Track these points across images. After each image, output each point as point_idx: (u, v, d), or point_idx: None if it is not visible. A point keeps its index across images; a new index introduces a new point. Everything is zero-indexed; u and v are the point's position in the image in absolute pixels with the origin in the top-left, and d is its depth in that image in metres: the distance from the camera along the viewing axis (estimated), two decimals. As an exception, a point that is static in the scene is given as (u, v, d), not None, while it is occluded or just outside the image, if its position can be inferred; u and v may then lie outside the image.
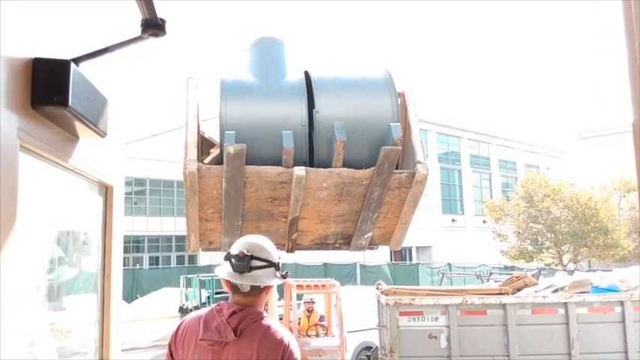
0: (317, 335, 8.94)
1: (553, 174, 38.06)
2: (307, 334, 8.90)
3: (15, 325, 2.01)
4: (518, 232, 29.13)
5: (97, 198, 3.18)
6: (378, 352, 6.88)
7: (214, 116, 4.20)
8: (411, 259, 34.68)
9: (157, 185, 33.13)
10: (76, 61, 2.35)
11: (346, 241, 4.84)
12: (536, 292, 6.99)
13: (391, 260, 31.12)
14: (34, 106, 2.14)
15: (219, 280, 17.81)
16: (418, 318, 6.28)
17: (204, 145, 4.80)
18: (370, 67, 4.76)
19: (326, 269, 24.02)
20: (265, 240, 2.56)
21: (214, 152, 4.80)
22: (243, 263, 2.39)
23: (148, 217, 32.32)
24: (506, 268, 25.63)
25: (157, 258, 32.77)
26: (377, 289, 6.99)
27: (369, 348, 9.99)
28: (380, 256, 27.90)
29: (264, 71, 4.52)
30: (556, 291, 6.91)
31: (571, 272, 16.06)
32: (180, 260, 33.06)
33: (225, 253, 2.54)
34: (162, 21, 2.57)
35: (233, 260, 2.42)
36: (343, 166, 4.25)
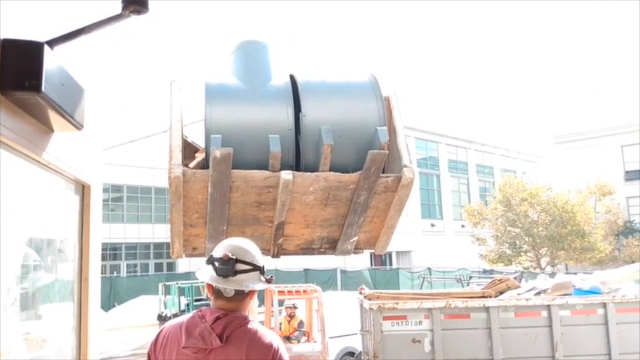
0: (298, 341, 8.90)
1: (530, 178, 38.61)
2: (289, 340, 8.85)
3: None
4: (497, 236, 29.43)
5: (73, 197, 2.98)
6: (362, 356, 6.83)
7: (196, 121, 4.15)
8: (391, 264, 34.78)
9: (134, 192, 32.73)
10: (51, 43, 2.17)
11: (332, 246, 4.82)
12: (518, 294, 7.03)
13: (371, 265, 31.16)
14: (4, 92, 1.97)
15: (198, 287, 17.65)
16: (402, 322, 6.25)
17: (188, 149, 4.74)
18: (355, 71, 4.77)
19: (307, 275, 23.94)
20: (249, 243, 2.48)
21: (199, 156, 4.74)
22: (228, 267, 2.30)
23: (126, 224, 31.92)
24: (485, 271, 25.86)
25: (135, 265, 32.34)
26: (360, 293, 6.95)
27: (351, 354, 9.96)
28: (360, 261, 27.92)
29: (249, 75, 4.48)
30: (539, 293, 6.96)
31: (552, 275, 16.26)
32: (158, 267, 32.68)
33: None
34: None
35: (216, 264, 2.32)
36: (330, 170, 4.24)
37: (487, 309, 6.39)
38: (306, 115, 4.27)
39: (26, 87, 1.98)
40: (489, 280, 8.13)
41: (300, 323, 9.68)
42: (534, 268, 27.95)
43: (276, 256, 4.79)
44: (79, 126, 2.47)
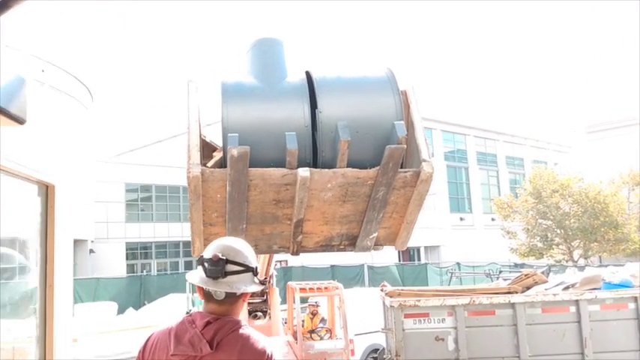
0: (321, 337, 8.91)
1: (561, 169, 37.87)
2: (311, 337, 8.87)
3: None
4: (528, 229, 29.00)
5: (33, 199, 2.80)
6: (384, 355, 6.75)
7: (216, 121, 4.16)
8: (419, 259, 34.54)
9: (162, 191, 33.16)
10: None
11: (351, 242, 4.79)
12: (546, 289, 6.87)
13: (399, 261, 31.00)
14: None
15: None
16: (424, 320, 6.15)
17: (206, 148, 4.76)
18: (372, 66, 4.71)
19: (333, 271, 23.91)
20: (242, 243, 2.35)
21: (217, 156, 4.75)
22: (217, 268, 2.17)
23: (155, 223, 32.37)
24: (516, 265, 25.50)
25: (165, 264, 32.80)
26: (381, 290, 6.89)
27: (377, 350, 9.92)
28: (388, 256, 27.81)
29: (264, 72, 4.48)
30: (567, 288, 6.78)
31: (582, 268, 15.91)
32: (188, 266, 33.06)
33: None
34: None
35: (206, 265, 2.20)
36: (347, 167, 4.20)
37: (513, 305, 6.25)
38: (322, 112, 4.24)
39: None
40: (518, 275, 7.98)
41: (323, 320, 9.67)
42: (566, 261, 27.46)
43: (295, 253, 4.78)
44: (19, 119, 2.24)
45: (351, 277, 24.18)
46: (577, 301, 6.32)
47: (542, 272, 8.73)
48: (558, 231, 28.05)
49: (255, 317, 9.71)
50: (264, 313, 9.84)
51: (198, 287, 2.25)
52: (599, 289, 6.64)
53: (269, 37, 4.74)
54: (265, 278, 8.87)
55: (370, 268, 25.68)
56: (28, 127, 2.36)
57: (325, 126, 4.23)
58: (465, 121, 40.08)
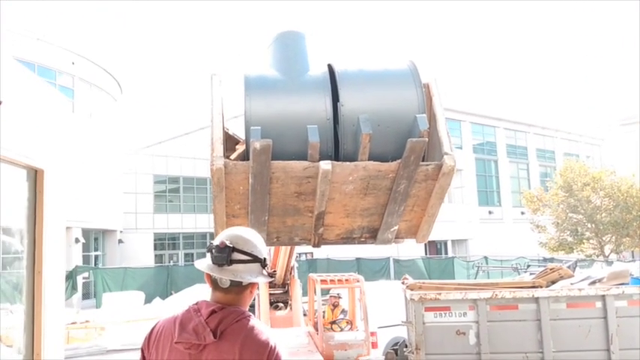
0: (341, 329, 8.97)
1: (593, 162, 37.10)
2: (331, 328, 8.93)
3: None
4: (558, 223, 28.52)
5: (20, 183, 2.70)
6: (405, 348, 6.73)
7: (240, 114, 4.21)
8: (446, 253, 34.28)
9: (190, 183, 33.61)
10: None
11: (372, 235, 4.80)
12: (571, 284, 6.76)
13: (426, 254, 30.82)
14: None
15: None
16: (445, 314, 6.11)
17: (229, 141, 4.82)
18: (394, 59, 4.70)
19: (359, 264, 23.93)
20: (252, 233, 2.33)
21: (240, 148, 4.81)
22: (223, 255, 2.16)
23: (183, 214, 32.85)
24: (545, 260, 25.12)
25: (192, 255, 33.29)
26: (402, 283, 6.87)
27: (398, 343, 9.93)
28: (414, 249, 27.68)
29: (287, 66, 4.50)
30: (593, 283, 6.66)
31: (610, 263, 15.61)
32: (215, 257, 33.49)
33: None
34: None
35: (213, 251, 2.19)
36: (369, 160, 4.21)
37: (537, 300, 6.17)
38: (344, 105, 4.25)
39: None
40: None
41: (343, 312, 9.70)
42: (597, 256, 26.94)
43: (316, 245, 4.81)
44: None
45: (376, 269, 24.17)
46: (603, 296, 6.21)
47: (569, 266, 8.59)
48: (589, 225, 27.53)
49: (277, 308, 9.81)
50: (285, 304, 9.94)
51: (206, 275, 2.25)
52: (627, 284, 6.52)
53: (291, 30, 4.76)
54: (274, 271, 8.93)
55: (396, 261, 25.62)
56: (14, 111, 2.26)
57: (347, 119, 4.24)
58: (495, 113, 39.52)
